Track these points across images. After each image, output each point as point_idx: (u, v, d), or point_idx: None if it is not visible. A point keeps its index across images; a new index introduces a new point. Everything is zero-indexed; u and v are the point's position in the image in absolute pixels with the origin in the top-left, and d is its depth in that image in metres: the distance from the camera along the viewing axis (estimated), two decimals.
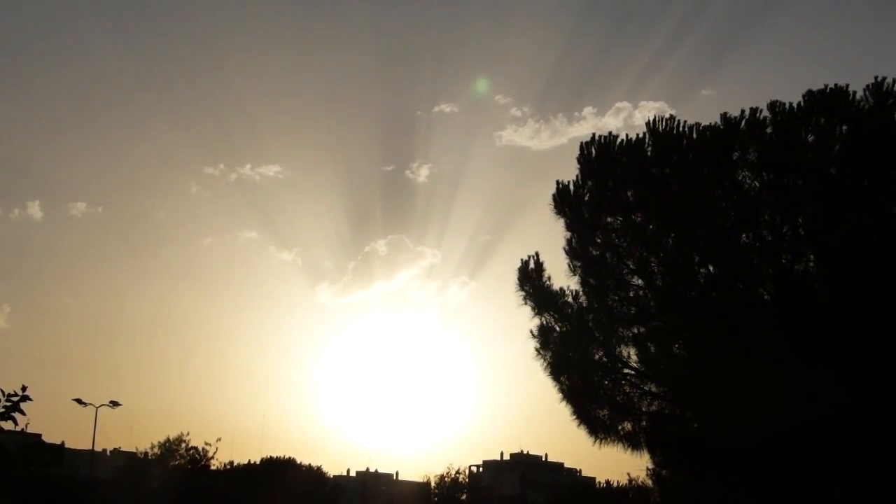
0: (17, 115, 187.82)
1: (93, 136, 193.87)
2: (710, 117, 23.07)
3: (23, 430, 10.29)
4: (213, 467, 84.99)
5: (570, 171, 25.11)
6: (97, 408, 77.08)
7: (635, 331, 23.95)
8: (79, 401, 75.88)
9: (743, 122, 22.43)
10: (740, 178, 22.47)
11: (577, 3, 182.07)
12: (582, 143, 25.01)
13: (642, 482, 70.07)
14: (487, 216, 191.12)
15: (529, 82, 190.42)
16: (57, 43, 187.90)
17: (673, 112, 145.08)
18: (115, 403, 76.42)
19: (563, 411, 25.37)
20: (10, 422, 9.73)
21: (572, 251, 24.81)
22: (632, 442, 24.85)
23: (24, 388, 9.73)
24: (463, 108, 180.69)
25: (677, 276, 23.15)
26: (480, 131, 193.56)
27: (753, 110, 22.39)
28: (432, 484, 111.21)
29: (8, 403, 9.60)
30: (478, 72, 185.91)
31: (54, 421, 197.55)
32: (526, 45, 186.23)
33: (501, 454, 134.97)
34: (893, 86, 21.48)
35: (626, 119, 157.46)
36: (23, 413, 9.73)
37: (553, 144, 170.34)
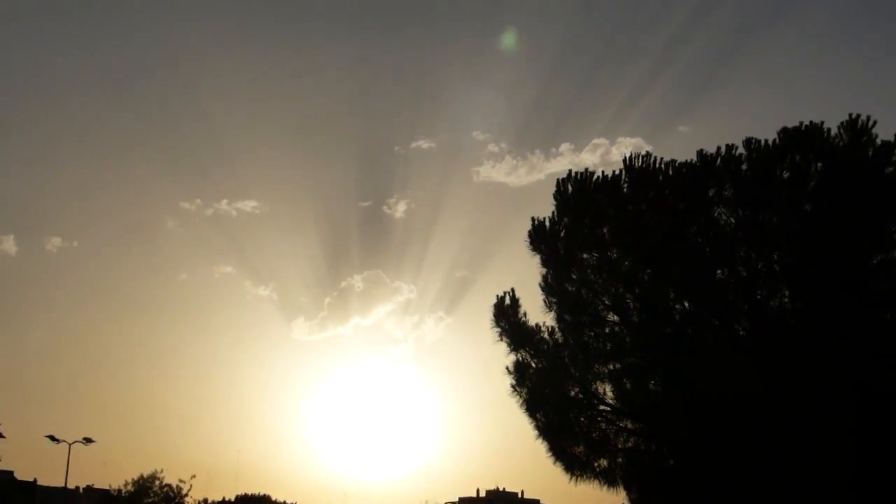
0: None
1: (68, 170, 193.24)
2: (686, 154, 23.18)
3: None
4: None
5: (547, 208, 25.14)
6: (70, 444, 76.35)
7: (611, 367, 23.96)
8: (52, 437, 75.19)
9: (719, 159, 22.53)
10: (716, 214, 22.55)
11: (555, 40, 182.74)
12: (558, 179, 25.04)
13: None
14: (464, 252, 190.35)
15: (507, 118, 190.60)
16: (30, 77, 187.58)
17: (650, 148, 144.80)
18: (88, 440, 75.75)
19: (540, 448, 25.35)
20: None
21: (548, 287, 24.81)
22: (608, 478, 24.79)
23: None
24: (440, 143, 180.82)
25: (653, 313, 23.17)
26: (458, 167, 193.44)
27: (729, 147, 22.51)
28: None
29: None
30: (455, 108, 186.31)
31: (27, 458, 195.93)
32: (504, 81, 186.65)
33: (477, 491, 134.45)
34: (867, 123, 21.61)
35: (603, 155, 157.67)
36: None
37: (530, 180, 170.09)
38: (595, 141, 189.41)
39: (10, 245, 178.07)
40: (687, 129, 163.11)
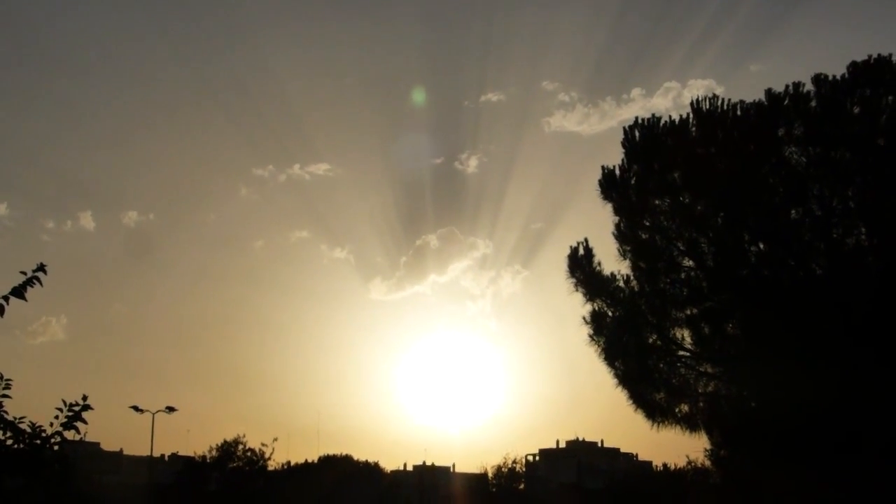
0: (66, 127, 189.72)
1: (141, 144, 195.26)
2: (759, 93, 22.88)
3: (81, 438, 10.37)
4: (270, 468, 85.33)
5: (620, 155, 24.93)
6: (154, 414, 77.52)
7: (688, 312, 23.86)
8: (135, 408, 76.34)
9: (787, 98, 22.27)
10: (787, 153, 22.33)
11: None
12: (625, 127, 24.83)
13: (701, 463, 70.16)
14: (538, 204, 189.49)
15: (576, 66, 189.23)
16: (102, 53, 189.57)
17: (721, 89, 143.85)
18: (171, 409, 76.72)
19: (619, 396, 25.34)
20: (72, 431, 9.82)
21: (621, 235, 24.68)
22: (689, 424, 24.77)
23: (84, 398, 9.80)
24: (510, 96, 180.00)
25: (728, 256, 23.02)
26: (528, 118, 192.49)
27: (797, 84, 22.24)
28: (490, 475, 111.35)
29: (70, 413, 9.68)
30: (523, 58, 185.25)
31: (112, 429, 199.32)
32: (572, 29, 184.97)
33: (557, 442, 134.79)
34: None
35: (675, 99, 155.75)
36: (85, 422, 9.81)
37: (602, 128, 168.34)
38: (666, 84, 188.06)
39: (88, 221, 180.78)
40: (759, 67, 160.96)
